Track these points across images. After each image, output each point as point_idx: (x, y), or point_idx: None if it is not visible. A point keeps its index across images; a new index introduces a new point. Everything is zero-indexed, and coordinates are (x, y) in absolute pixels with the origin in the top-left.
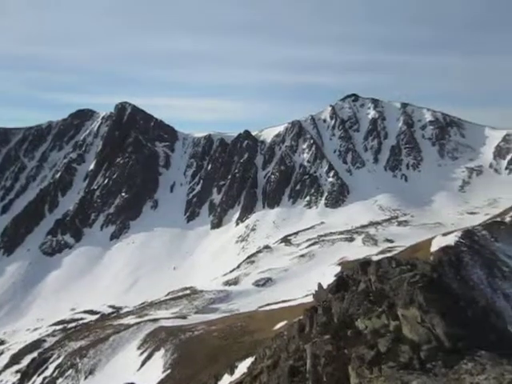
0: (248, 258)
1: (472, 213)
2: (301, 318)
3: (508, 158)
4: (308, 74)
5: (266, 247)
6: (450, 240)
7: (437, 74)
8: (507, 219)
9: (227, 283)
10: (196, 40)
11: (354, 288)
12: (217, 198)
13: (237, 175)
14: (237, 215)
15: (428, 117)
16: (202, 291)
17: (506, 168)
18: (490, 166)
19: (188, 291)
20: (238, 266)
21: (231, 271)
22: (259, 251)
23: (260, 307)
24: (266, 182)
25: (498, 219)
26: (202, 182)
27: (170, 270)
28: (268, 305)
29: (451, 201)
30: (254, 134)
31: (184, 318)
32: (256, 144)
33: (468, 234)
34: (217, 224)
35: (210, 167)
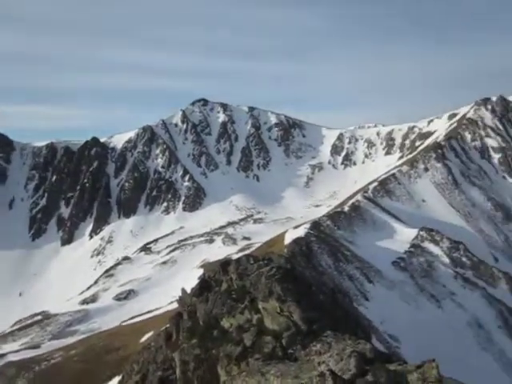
0: (106, 271)
1: (317, 205)
2: (167, 326)
3: (343, 154)
4: (154, 79)
5: (125, 258)
6: (301, 232)
7: (277, 80)
8: (346, 209)
9: (85, 302)
10: (31, 40)
11: (216, 288)
12: (65, 211)
13: (87, 185)
14: (90, 228)
15: (273, 119)
16: (56, 315)
17: (342, 163)
18: (329, 162)
19: (39, 317)
20: (96, 282)
21: (88, 288)
22: (118, 263)
23: (124, 322)
24: (119, 190)
25: (339, 209)
26: (46, 195)
27: (16, 296)
28: (132, 318)
29: (299, 196)
30: (102, 140)
31: (37, 347)
32: (106, 151)
33: (315, 225)
34: (67, 239)
35: (55, 178)
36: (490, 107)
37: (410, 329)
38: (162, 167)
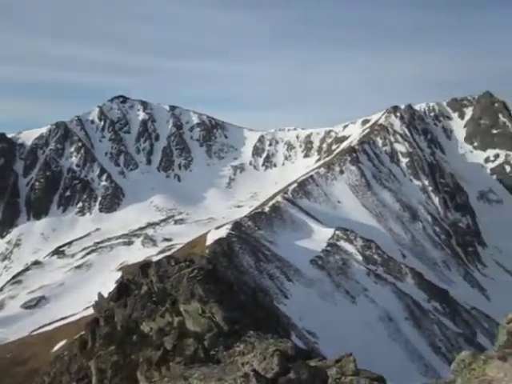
0: (13, 277)
1: (238, 206)
2: (82, 333)
3: (263, 156)
4: (67, 72)
5: (36, 263)
6: (223, 232)
7: (197, 78)
8: (266, 209)
9: None
10: None
11: (136, 292)
12: None
13: None
14: None
15: (195, 119)
16: None
17: (263, 165)
18: (250, 163)
19: None
20: (1, 289)
21: None
22: (27, 268)
23: (33, 331)
24: (29, 190)
25: (259, 210)
26: None
27: None
28: (43, 326)
29: (221, 197)
30: (9, 136)
31: None
32: (14, 148)
33: (237, 225)
34: None
35: None
36: (398, 115)
37: (327, 324)
38: (77, 166)
